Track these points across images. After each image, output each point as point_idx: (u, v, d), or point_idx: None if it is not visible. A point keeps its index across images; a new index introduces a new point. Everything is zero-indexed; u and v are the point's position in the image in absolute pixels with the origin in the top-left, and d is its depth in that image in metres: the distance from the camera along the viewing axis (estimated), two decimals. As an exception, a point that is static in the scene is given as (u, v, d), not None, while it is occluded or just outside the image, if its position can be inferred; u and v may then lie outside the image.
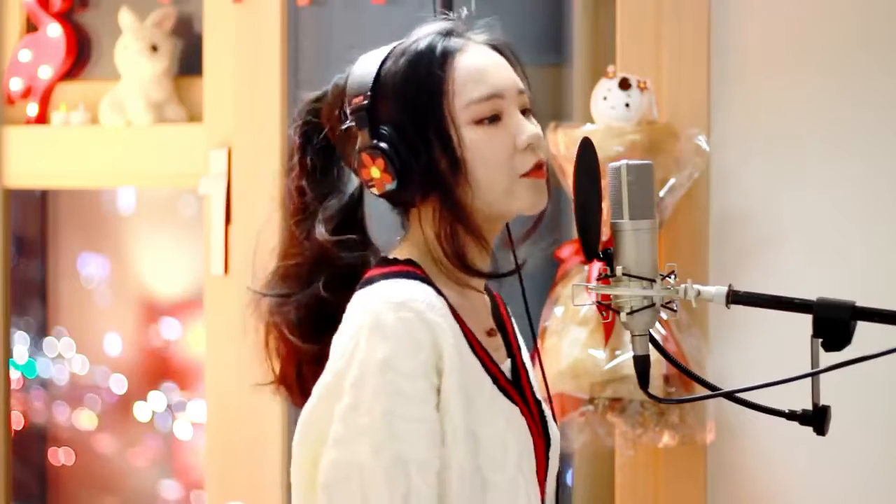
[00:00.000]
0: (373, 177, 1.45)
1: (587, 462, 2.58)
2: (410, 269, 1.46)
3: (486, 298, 1.57)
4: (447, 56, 1.46)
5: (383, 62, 1.47)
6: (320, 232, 1.50)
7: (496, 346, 1.52)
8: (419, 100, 1.45)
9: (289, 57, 2.73)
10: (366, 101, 1.45)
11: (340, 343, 1.42)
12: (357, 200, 1.54)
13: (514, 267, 1.53)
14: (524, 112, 1.48)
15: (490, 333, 1.53)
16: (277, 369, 1.56)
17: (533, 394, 1.54)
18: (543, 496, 1.50)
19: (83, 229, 3.32)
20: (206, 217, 2.80)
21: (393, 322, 1.38)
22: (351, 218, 1.54)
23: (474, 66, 1.47)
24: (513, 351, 1.57)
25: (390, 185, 1.45)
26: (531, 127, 1.46)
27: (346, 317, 1.43)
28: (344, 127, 1.49)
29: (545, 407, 1.55)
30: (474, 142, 1.44)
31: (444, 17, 1.53)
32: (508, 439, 1.43)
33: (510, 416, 1.45)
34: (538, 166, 1.46)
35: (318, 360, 1.46)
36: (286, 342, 1.54)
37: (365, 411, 1.37)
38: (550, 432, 1.54)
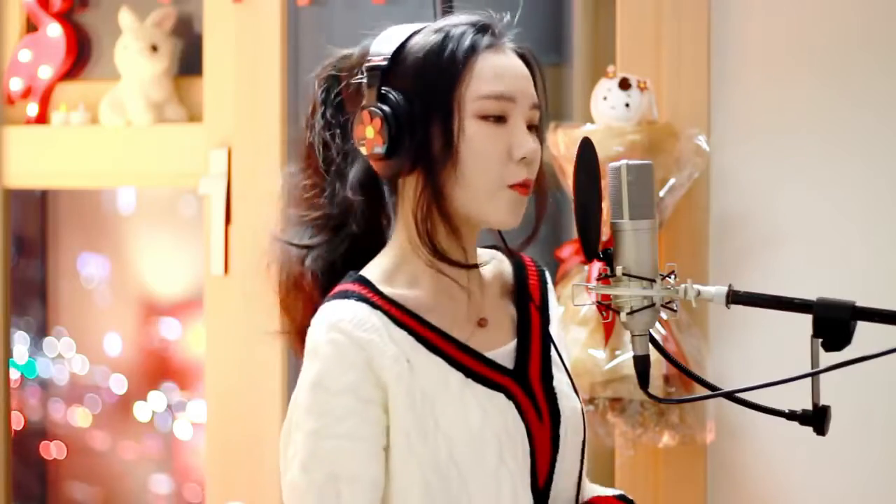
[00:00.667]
0: (366, 136, 1.46)
1: (587, 462, 2.58)
2: (353, 288, 1.47)
3: (482, 285, 1.56)
4: (476, 47, 1.47)
5: (414, 34, 1.49)
6: (352, 191, 1.52)
7: (488, 335, 1.52)
8: (434, 77, 1.46)
9: (289, 57, 2.73)
10: (384, 62, 1.47)
11: None
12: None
13: (479, 262, 1.54)
14: (531, 128, 1.49)
15: (480, 324, 1.53)
16: (293, 322, 1.58)
17: (545, 370, 1.53)
18: (544, 478, 1.49)
19: (83, 229, 3.32)
20: (206, 217, 2.80)
21: (324, 344, 1.42)
22: (374, 184, 1.54)
23: (497, 64, 1.48)
24: (530, 327, 1.56)
25: (379, 149, 1.45)
26: (532, 142, 1.47)
27: None
28: (355, 80, 1.50)
29: (557, 382, 1.54)
30: (474, 135, 1.45)
31: (484, 13, 1.54)
32: (486, 432, 1.43)
33: (487, 406, 1.45)
34: (525, 183, 1.47)
35: None
36: (307, 294, 1.55)
37: (299, 431, 1.43)
38: (562, 407, 1.52)
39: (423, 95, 1.46)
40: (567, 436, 1.52)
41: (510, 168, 1.46)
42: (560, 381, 1.54)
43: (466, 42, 1.47)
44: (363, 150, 1.48)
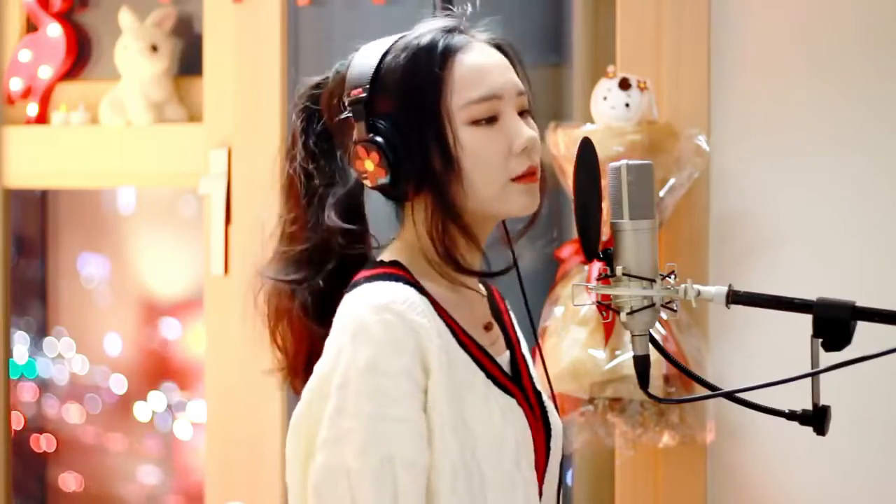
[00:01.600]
0: (367, 169, 1.45)
1: (587, 462, 2.58)
2: (394, 271, 1.46)
3: (483, 292, 1.58)
4: (448, 54, 1.46)
5: (384, 55, 1.47)
6: (331, 218, 1.50)
7: (493, 340, 1.53)
8: (417, 96, 1.45)
9: (289, 57, 2.73)
10: (364, 94, 1.46)
11: (328, 346, 1.43)
12: (360, 189, 1.54)
13: (509, 265, 1.54)
14: (523, 113, 1.48)
15: (487, 328, 1.53)
16: (287, 357, 1.56)
17: (533, 385, 1.55)
18: (542, 487, 1.50)
19: (83, 229, 3.32)
20: (206, 217, 2.80)
21: (375, 325, 1.39)
22: (355, 206, 1.54)
23: (474, 65, 1.46)
24: (512, 343, 1.57)
25: (383, 180, 1.45)
26: (528, 130, 1.46)
27: (335, 320, 1.44)
28: (341, 118, 1.49)
29: (546, 397, 1.56)
30: (470, 143, 1.44)
31: (448, 13, 1.53)
32: (505, 434, 1.44)
33: (506, 410, 1.45)
34: (531, 171, 1.46)
35: None
36: (299, 328, 1.54)
37: (350, 414, 1.38)
38: (551, 421, 1.54)
39: (412, 116, 1.45)
40: (554, 450, 1.53)
41: (513, 162, 1.45)
42: (546, 398, 1.56)
43: (438, 50, 1.46)
44: (367, 184, 1.47)
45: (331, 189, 1.53)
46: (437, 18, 1.52)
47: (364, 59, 1.48)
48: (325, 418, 1.39)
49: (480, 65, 1.47)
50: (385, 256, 1.50)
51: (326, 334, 1.46)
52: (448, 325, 1.45)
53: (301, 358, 1.55)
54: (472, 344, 1.47)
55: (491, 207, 1.46)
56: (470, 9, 1.53)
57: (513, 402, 1.47)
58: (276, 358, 1.57)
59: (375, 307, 1.40)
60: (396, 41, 1.48)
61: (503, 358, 1.53)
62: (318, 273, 1.52)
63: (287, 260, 1.54)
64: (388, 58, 1.47)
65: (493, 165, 1.45)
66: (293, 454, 1.44)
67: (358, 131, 1.46)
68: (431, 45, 1.46)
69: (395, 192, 1.48)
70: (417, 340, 1.39)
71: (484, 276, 1.53)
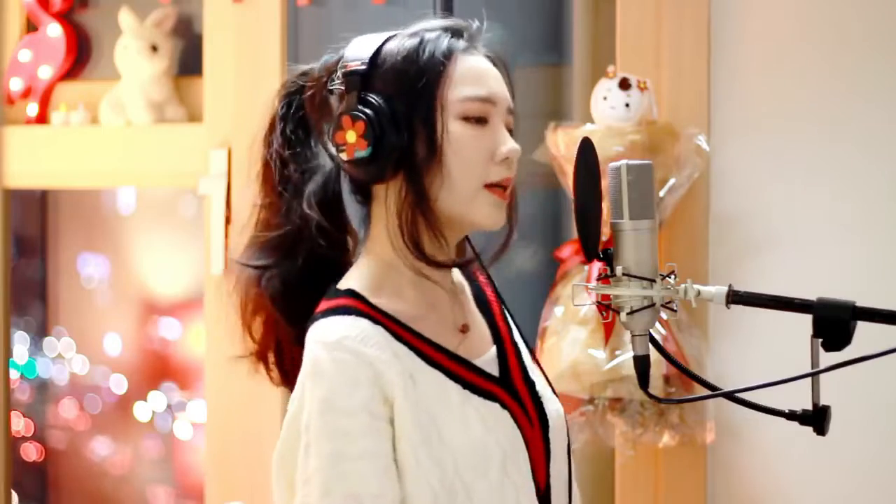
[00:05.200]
0: (347, 140, 1.44)
1: (587, 462, 2.58)
2: (347, 303, 1.45)
3: (458, 292, 1.57)
4: (452, 49, 1.47)
5: (388, 39, 1.48)
6: (310, 204, 1.50)
7: (472, 342, 1.52)
8: (416, 78, 1.45)
9: (289, 57, 2.73)
10: (362, 67, 1.46)
11: (297, 384, 1.44)
12: (337, 181, 1.53)
13: (471, 256, 1.54)
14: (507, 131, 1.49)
15: (463, 330, 1.52)
16: (255, 344, 1.56)
17: (525, 375, 1.54)
18: (544, 482, 1.49)
19: (83, 229, 3.32)
20: (206, 217, 2.80)
21: (327, 363, 1.39)
22: (332, 200, 1.53)
23: (476, 66, 1.48)
24: (501, 335, 1.56)
25: (362, 153, 1.44)
26: (513, 142, 1.47)
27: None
28: (330, 87, 1.49)
29: (540, 386, 1.55)
30: (457, 136, 1.44)
31: (455, 19, 1.54)
32: (489, 444, 1.43)
33: (487, 417, 1.45)
34: (505, 184, 1.46)
35: (298, 341, 1.47)
36: (266, 317, 1.54)
37: (314, 454, 1.38)
38: (548, 411, 1.53)
39: (405, 98, 1.44)
40: (556, 439, 1.53)
41: (492, 168, 1.46)
42: (540, 384, 1.55)
43: (443, 44, 1.47)
44: (343, 157, 1.45)
45: (305, 177, 1.53)
46: (445, 19, 1.53)
47: (366, 41, 1.49)
48: (300, 458, 1.40)
49: (482, 69, 1.49)
50: (343, 283, 1.49)
51: (292, 331, 1.48)
52: (412, 346, 1.44)
53: (269, 346, 1.56)
54: (444, 357, 1.46)
55: (459, 210, 1.46)
56: (476, 23, 1.54)
57: (496, 406, 1.46)
58: (245, 344, 1.57)
59: (327, 345, 1.40)
60: (402, 31, 1.50)
61: (487, 357, 1.52)
62: (287, 260, 1.52)
63: (258, 246, 1.54)
64: (393, 41, 1.48)
65: (473, 165, 1.45)
66: (278, 488, 1.46)
67: (347, 103, 1.46)
68: (437, 38, 1.48)
69: (369, 171, 1.46)
70: (374, 373, 1.39)
71: (449, 266, 1.51)
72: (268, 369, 1.57)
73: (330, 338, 1.41)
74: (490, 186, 1.46)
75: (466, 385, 1.45)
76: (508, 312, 1.61)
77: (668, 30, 2.37)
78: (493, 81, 1.49)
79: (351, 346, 1.40)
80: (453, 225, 1.48)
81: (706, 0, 2.34)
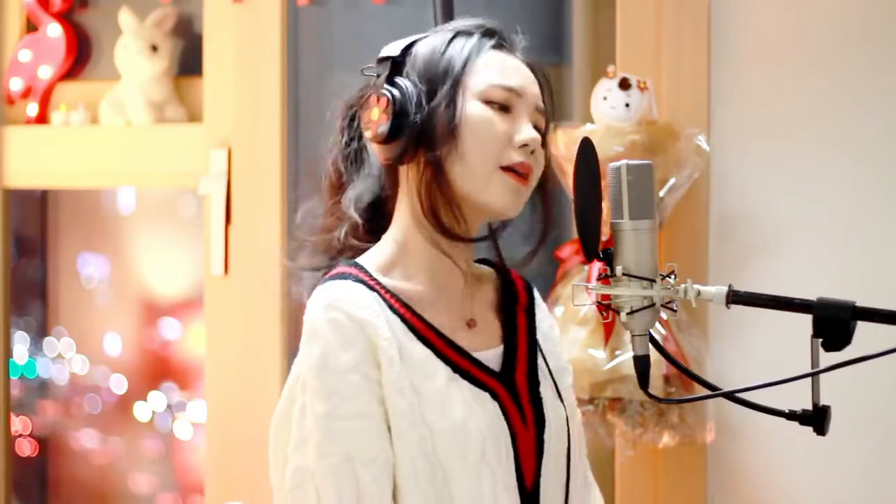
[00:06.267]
0: (371, 119, 1.49)
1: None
2: (346, 271, 1.49)
3: (473, 283, 1.58)
4: (484, 44, 1.52)
5: (425, 36, 1.54)
6: (348, 206, 1.55)
7: (476, 335, 1.53)
8: (443, 65, 1.49)
9: (289, 57, 2.73)
10: (396, 54, 1.51)
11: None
12: (379, 183, 1.58)
13: (484, 234, 1.57)
14: (535, 129, 1.51)
15: (469, 324, 1.53)
16: None
17: (530, 379, 1.55)
18: (531, 481, 1.50)
19: (83, 229, 3.32)
20: (206, 217, 2.80)
21: (322, 324, 1.43)
22: (377, 202, 1.58)
23: (506, 60, 1.52)
24: (515, 338, 1.57)
25: (383, 127, 1.47)
26: (532, 131, 1.48)
27: None
28: (368, 73, 1.54)
29: (543, 390, 1.55)
30: (476, 116, 1.47)
31: (492, 21, 1.57)
32: (468, 426, 1.44)
33: (472, 402, 1.46)
34: (523, 168, 1.48)
35: None
36: None
37: (309, 415, 1.42)
38: (547, 414, 1.54)
39: (431, 80, 1.49)
40: (551, 441, 1.53)
41: (508, 151, 1.47)
42: (546, 388, 1.55)
43: (475, 38, 1.52)
44: (368, 135, 1.50)
45: (355, 182, 1.58)
46: (483, 20, 1.57)
47: (406, 39, 1.54)
48: (294, 422, 1.43)
49: (512, 64, 1.53)
50: (363, 256, 1.53)
51: None
52: (406, 320, 1.46)
53: None
54: (437, 338, 1.48)
55: (475, 188, 1.48)
56: (521, 39, 1.58)
57: (484, 395, 1.48)
58: None
59: (323, 306, 1.43)
60: (440, 28, 1.56)
61: (490, 352, 1.53)
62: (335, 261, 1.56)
63: (315, 248, 1.59)
64: (428, 35, 1.53)
65: (489, 146, 1.47)
66: (274, 456, 1.48)
67: (376, 85, 1.51)
68: (471, 33, 1.53)
69: (389, 149, 1.50)
70: (365, 335, 1.42)
71: (462, 240, 1.54)
72: None
73: (325, 300, 1.44)
74: (506, 169, 1.47)
75: (456, 369, 1.47)
76: (550, 333, 1.63)
77: (668, 30, 2.37)
78: (521, 77, 1.52)
79: (344, 308, 1.43)
80: (470, 204, 1.50)
81: (706, 0, 2.34)
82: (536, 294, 1.66)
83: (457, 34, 1.52)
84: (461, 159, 1.46)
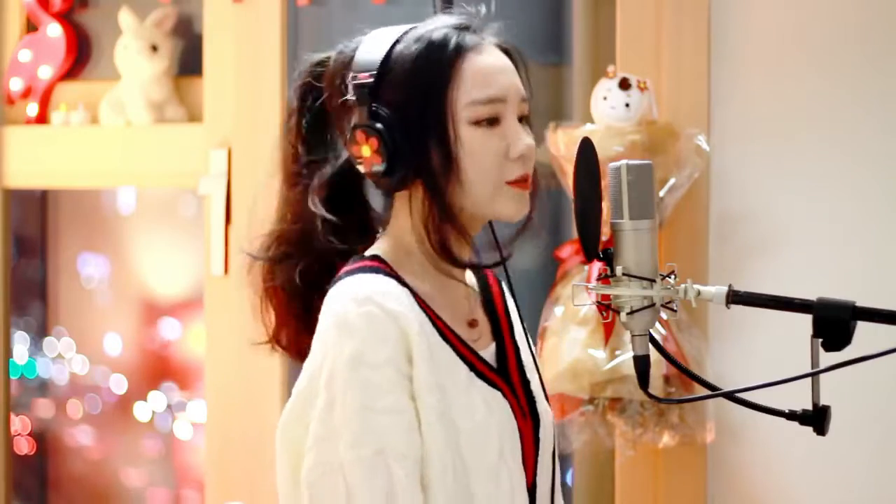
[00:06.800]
0: (363, 155, 1.45)
1: (587, 462, 2.58)
2: (375, 264, 1.47)
3: (471, 289, 1.58)
4: (460, 51, 1.46)
5: (395, 44, 1.47)
6: (314, 202, 1.51)
7: (477, 336, 1.53)
8: (424, 89, 1.45)
9: (289, 57, 2.73)
10: (370, 80, 1.46)
11: (314, 345, 1.44)
12: (354, 174, 1.53)
13: (499, 259, 1.54)
14: (521, 119, 1.49)
15: (471, 324, 1.53)
16: (272, 330, 1.57)
17: (522, 374, 1.55)
18: (531, 478, 1.50)
19: (83, 229, 3.32)
20: (206, 217, 2.80)
21: (357, 317, 1.39)
22: (349, 193, 1.54)
23: (484, 66, 1.47)
24: (501, 333, 1.57)
25: (378, 167, 1.45)
26: (526, 138, 1.47)
27: (319, 317, 1.45)
28: (343, 100, 1.49)
29: (534, 386, 1.55)
30: (469, 142, 1.45)
31: (463, 11, 1.53)
32: (490, 426, 1.44)
33: (491, 402, 1.46)
34: (524, 179, 1.47)
35: (313, 326, 1.47)
36: (283, 306, 1.55)
37: (339, 408, 1.38)
38: (539, 410, 1.54)
39: (416, 108, 1.45)
40: (544, 438, 1.53)
41: (508, 166, 1.46)
42: (535, 386, 1.56)
43: (450, 47, 1.46)
44: (361, 169, 1.47)
45: (318, 170, 1.53)
46: (450, 15, 1.52)
47: (374, 45, 1.48)
48: (316, 416, 1.40)
49: (490, 66, 1.48)
50: (367, 252, 1.51)
51: (310, 311, 1.48)
52: (430, 318, 1.45)
53: (284, 333, 1.57)
54: (455, 338, 1.47)
55: (481, 209, 1.47)
56: (484, 10, 1.54)
57: (498, 394, 1.47)
58: (263, 331, 1.58)
59: (356, 299, 1.40)
60: (408, 31, 1.49)
61: (488, 351, 1.53)
62: (303, 253, 1.53)
63: (275, 238, 1.55)
64: (399, 47, 1.47)
65: (488, 167, 1.45)
66: (283, 451, 1.45)
67: (359, 115, 1.46)
68: (444, 40, 1.47)
69: (387, 182, 1.47)
70: (399, 329, 1.40)
71: (476, 267, 1.54)
72: (287, 352, 1.58)
73: (359, 292, 1.41)
74: (510, 183, 1.46)
75: (473, 369, 1.47)
76: (518, 310, 1.62)
77: (668, 30, 2.37)
78: (502, 77, 1.48)
79: (380, 301, 1.40)
80: (477, 222, 1.50)
81: (706, 0, 2.34)
82: (507, 291, 1.64)
83: (430, 43, 1.46)
84: (462, 186, 1.45)
